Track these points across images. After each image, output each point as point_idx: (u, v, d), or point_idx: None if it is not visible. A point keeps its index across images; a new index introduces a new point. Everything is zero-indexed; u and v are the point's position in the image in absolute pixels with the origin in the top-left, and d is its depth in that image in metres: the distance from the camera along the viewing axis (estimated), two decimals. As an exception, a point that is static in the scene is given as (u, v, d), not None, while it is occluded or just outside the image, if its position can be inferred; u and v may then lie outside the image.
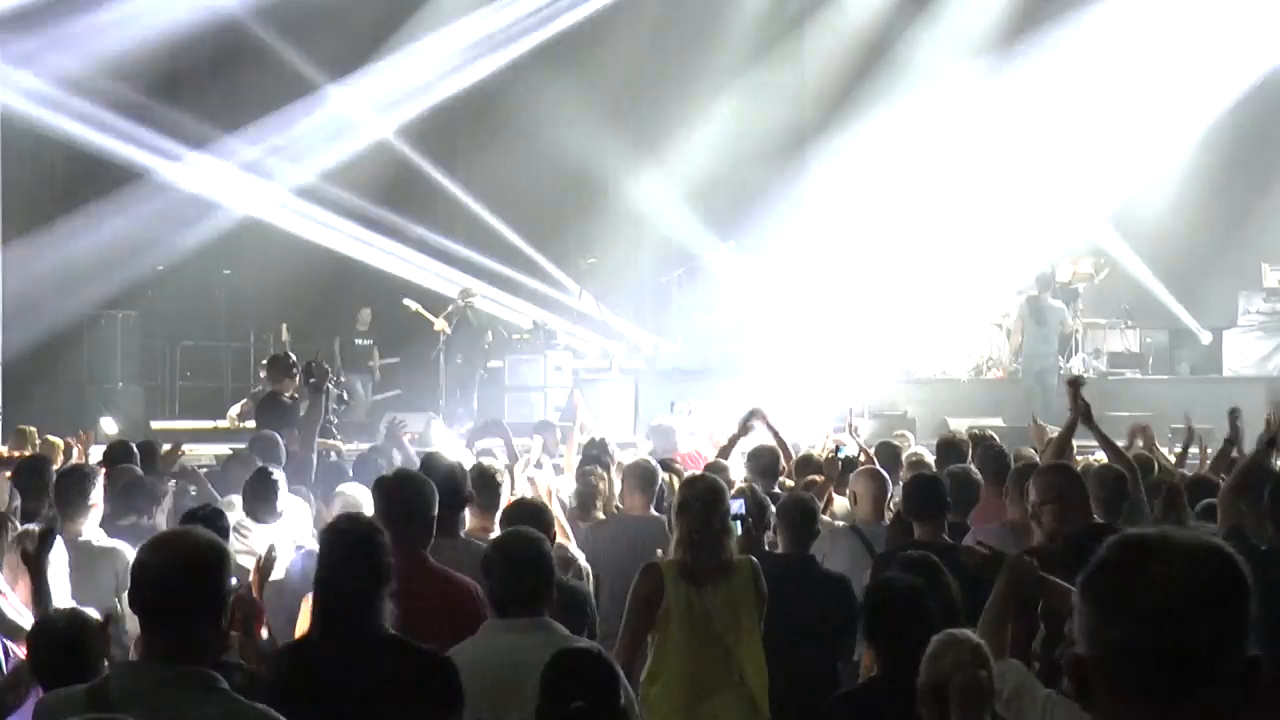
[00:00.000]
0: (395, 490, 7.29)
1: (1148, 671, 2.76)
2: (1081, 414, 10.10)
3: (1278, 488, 8.11)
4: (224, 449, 20.25)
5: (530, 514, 7.98)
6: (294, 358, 15.88)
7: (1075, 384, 10.42)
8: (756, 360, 26.24)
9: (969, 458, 11.65)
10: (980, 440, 12.41)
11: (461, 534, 8.34)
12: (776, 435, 12.09)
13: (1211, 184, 26.89)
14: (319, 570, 5.95)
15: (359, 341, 26.41)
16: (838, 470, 11.22)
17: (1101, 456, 10.62)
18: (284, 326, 25.56)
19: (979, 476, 10.14)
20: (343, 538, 5.91)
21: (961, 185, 27.10)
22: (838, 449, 12.27)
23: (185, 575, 4.62)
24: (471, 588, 6.99)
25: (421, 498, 7.21)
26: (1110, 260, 26.22)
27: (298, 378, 15.23)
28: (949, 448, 12.17)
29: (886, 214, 27.28)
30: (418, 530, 7.13)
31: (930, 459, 12.63)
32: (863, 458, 12.09)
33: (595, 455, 11.93)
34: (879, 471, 10.31)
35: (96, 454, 13.58)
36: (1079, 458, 11.74)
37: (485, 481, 8.85)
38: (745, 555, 7.77)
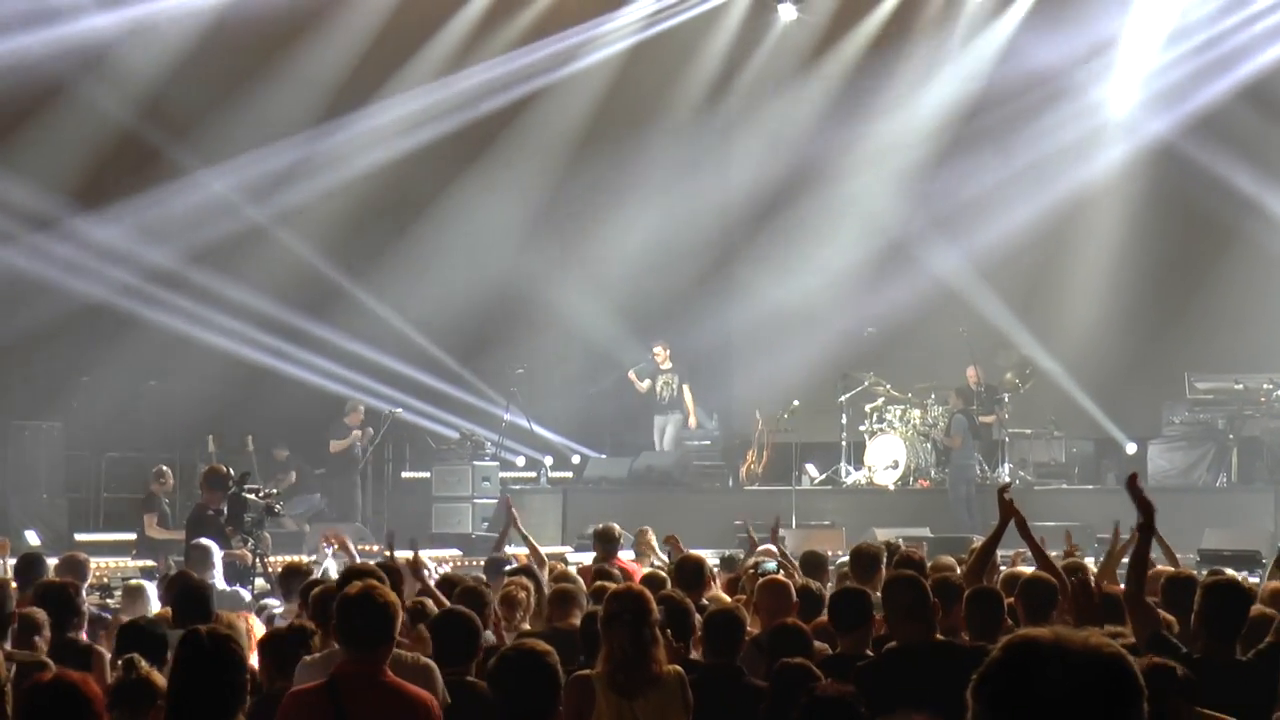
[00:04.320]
0: (355, 605, 6.97)
1: None
2: (1016, 521, 10.03)
3: (1208, 593, 8.13)
4: (148, 562, 20.13)
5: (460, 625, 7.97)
6: (228, 470, 15.85)
7: (1004, 490, 10.39)
8: (684, 471, 26.30)
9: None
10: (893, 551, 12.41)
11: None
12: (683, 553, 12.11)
13: (1136, 296, 27.11)
14: (169, 683, 5.76)
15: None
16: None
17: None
18: (210, 438, 25.39)
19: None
20: (197, 650, 5.68)
21: (887, 295, 27.28)
22: (756, 566, 12.21)
23: None
24: (427, 702, 6.92)
25: (385, 613, 6.92)
26: (1036, 370, 26.40)
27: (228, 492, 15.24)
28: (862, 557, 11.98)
29: (813, 322, 27.41)
30: (378, 645, 6.90)
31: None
32: (782, 572, 12.04)
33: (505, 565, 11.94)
34: (779, 583, 10.21)
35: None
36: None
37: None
38: (673, 666, 7.77)
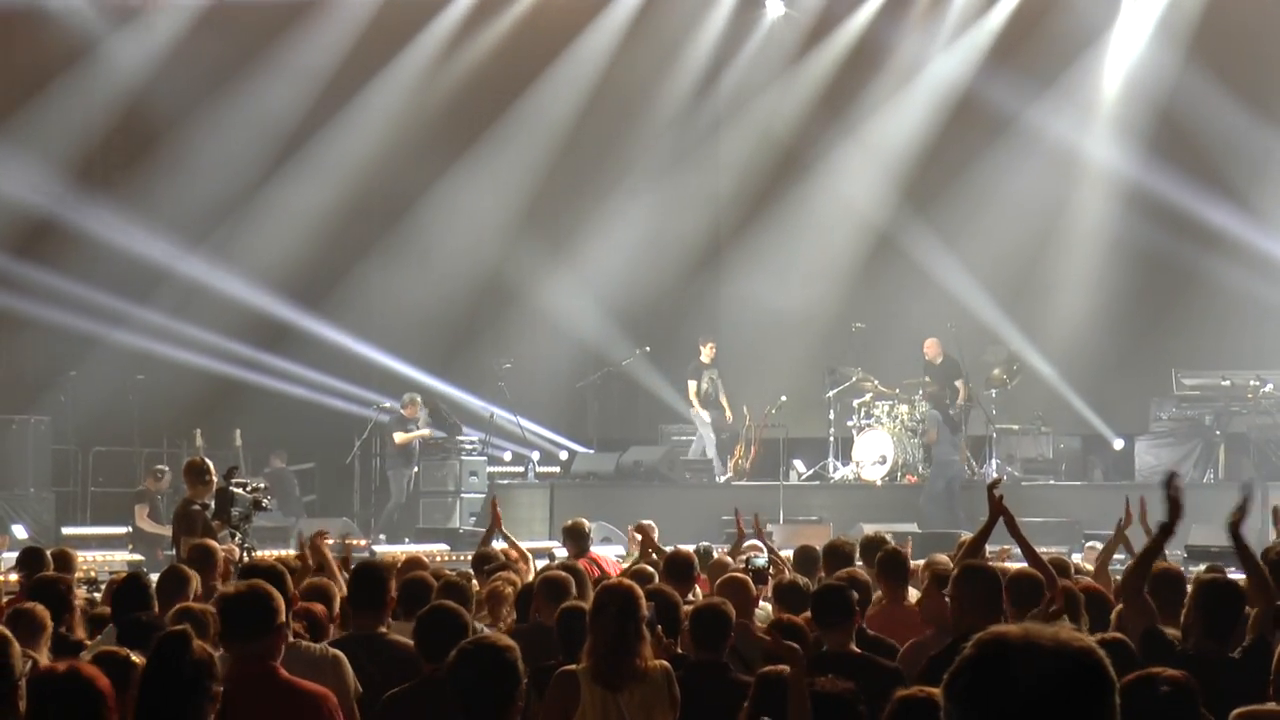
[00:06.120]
0: (233, 601, 7.06)
1: None
2: (1005, 518, 9.96)
3: (1203, 590, 8.13)
4: (136, 557, 20.14)
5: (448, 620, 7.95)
6: (204, 462, 15.81)
7: (994, 486, 10.33)
8: (671, 466, 26.27)
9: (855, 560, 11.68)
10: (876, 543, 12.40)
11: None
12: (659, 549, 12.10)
13: (1124, 292, 27.10)
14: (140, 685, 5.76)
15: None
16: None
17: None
18: (197, 432, 25.38)
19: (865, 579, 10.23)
20: (158, 654, 5.68)
21: (875, 291, 27.32)
22: (748, 561, 12.18)
23: None
24: (322, 696, 6.92)
25: (266, 606, 6.95)
26: (1024, 366, 26.39)
27: (212, 484, 15.19)
28: (834, 552, 11.94)
29: (801, 318, 27.42)
30: (265, 641, 6.93)
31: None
32: (773, 568, 12.03)
33: (503, 563, 11.88)
34: (737, 579, 10.19)
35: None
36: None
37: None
38: (659, 661, 7.76)
